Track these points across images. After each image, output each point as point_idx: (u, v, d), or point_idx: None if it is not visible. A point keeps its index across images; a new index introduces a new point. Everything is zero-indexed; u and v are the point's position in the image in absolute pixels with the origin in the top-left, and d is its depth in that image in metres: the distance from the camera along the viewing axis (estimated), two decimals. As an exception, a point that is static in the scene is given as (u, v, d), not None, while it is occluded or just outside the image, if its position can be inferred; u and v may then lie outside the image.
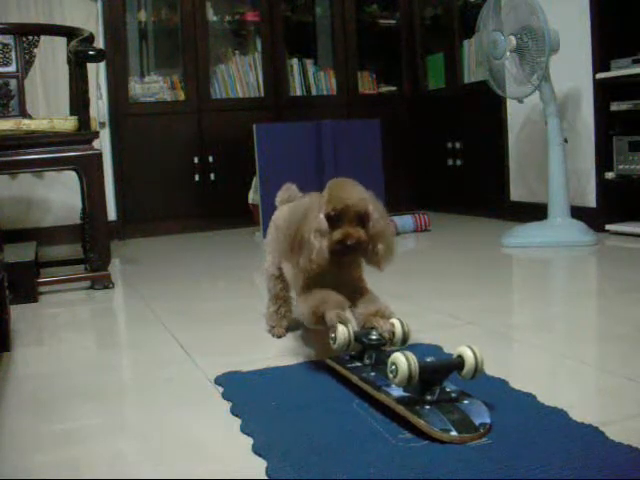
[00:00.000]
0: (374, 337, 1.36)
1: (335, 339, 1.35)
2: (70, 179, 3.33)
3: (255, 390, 1.34)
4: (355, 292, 1.48)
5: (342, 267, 1.46)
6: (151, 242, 3.89)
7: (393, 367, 1.13)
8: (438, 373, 1.16)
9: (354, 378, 1.30)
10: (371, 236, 1.42)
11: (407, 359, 1.11)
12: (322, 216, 1.39)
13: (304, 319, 1.46)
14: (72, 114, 2.83)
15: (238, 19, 4.47)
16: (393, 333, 1.39)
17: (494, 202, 3.87)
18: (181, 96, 4.20)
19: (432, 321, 1.85)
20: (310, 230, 1.40)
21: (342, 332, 1.34)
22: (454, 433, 1.05)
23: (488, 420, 1.09)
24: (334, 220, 1.38)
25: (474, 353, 1.16)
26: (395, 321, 1.41)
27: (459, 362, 1.17)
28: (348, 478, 0.97)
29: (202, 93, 4.19)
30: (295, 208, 1.51)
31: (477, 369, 1.16)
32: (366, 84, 4.65)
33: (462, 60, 4.17)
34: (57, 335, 2.01)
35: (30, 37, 2.96)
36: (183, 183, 4.13)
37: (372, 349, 1.36)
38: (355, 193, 1.40)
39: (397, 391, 1.18)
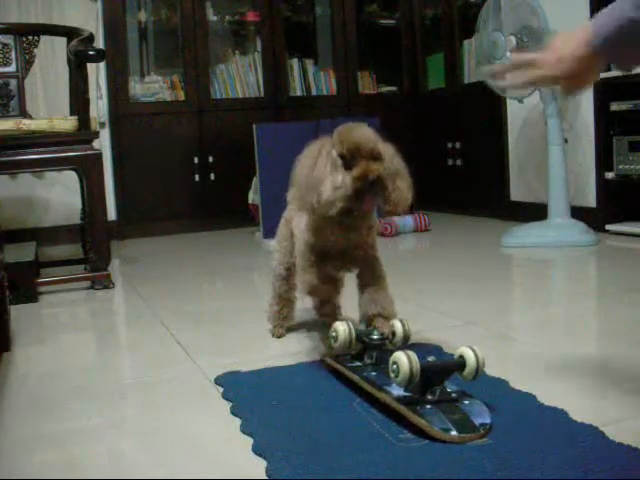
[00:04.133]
0: (375, 336, 1.36)
1: (336, 338, 1.35)
2: (70, 179, 3.33)
3: (255, 390, 1.34)
4: (365, 262, 1.46)
5: (354, 230, 1.43)
6: (151, 242, 3.89)
7: (395, 366, 1.13)
8: (439, 373, 1.16)
9: (355, 377, 1.30)
10: (390, 175, 1.36)
11: (409, 358, 1.11)
12: (335, 153, 1.34)
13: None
14: (72, 114, 2.83)
15: (238, 19, 4.47)
16: (393, 333, 1.40)
17: (494, 202, 3.87)
18: (181, 96, 4.20)
19: (432, 321, 1.85)
20: (325, 166, 1.34)
21: (343, 331, 1.34)
22: (454, 433, 1.05)
23: (488, 420, 1.09)
24: (348, 161, 1.32)
25: (475, 354, 1.16)
26: (396, 322, 1.41)
27: (460, 362, 1.17)
28: (348, 478, 0.97)
29: (202, 93, 4.18)
30: (305, 155, 1.44)
31: (478, 370, 1.16)
32: (366, 84, 4.64)
33: (462, 60, 4.17)
34: (57, 335, 2.00)
35: (30, 37, 2.96)
36: (183, 183, 4.13)
37: (373, 348, 1.36)
38: (366, 132, 1.35)
39: (398, 390, 1.18)
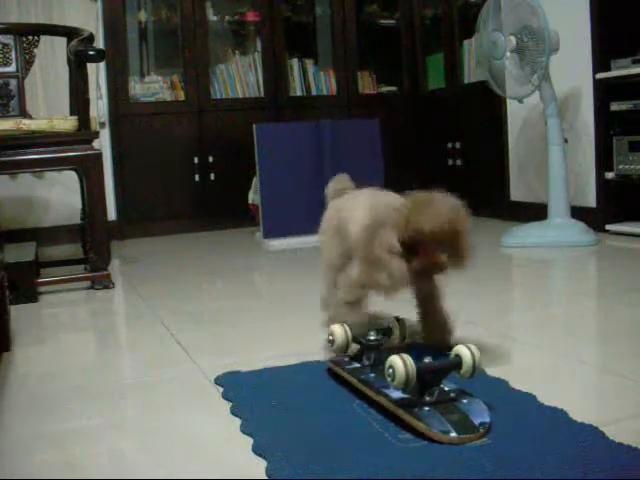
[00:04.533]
0: (372, 337, 1.36)
1: (333, 341, 1.35)
2: (70, 179, 3.33)
3: (255, 390, 1.34)
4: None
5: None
6: (151, 242, 3.89)
7: (390, 370, 1.13)
8: (436, 374, 1.16)
9: (353, 381, 1.30)
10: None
11: (404, 362, 1.11)
12: (394, 238, 1.29)
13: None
14: (72, 114, 2.83)
15: (238, 19, 4.47)
16: (391, 331, 1.40)
17: (494, 202, 3.87)
18: (181, 96, 4.20)
19: (432, 321, 1.85)
20: (383, 249, 1.31)
21: (340, 334, 1.34)
22: (454, 434, 1.05)
23: (488, 419, 1.09)
24: (411, 246, 1.29)
25: (471, 352, 1.16)
26: (393, 319, 1.42)
27: (457, 362, 1.17)
28: (348, 478, 0.97)
29: (202, 93, 4.19)
30: (375, 209, 1.38)
31: (475, 367, 1.16)
32: (366, 84, 4.64)
33: (462, 60, 4.17)
34: (57, 335, 2.00)
35: (30, 37, 2.96)
36: (183, 183, 4.13)
37: (370, 349, 1.36)
38: (438, 215, 1.29)
39: (396, 393, 1.18)
